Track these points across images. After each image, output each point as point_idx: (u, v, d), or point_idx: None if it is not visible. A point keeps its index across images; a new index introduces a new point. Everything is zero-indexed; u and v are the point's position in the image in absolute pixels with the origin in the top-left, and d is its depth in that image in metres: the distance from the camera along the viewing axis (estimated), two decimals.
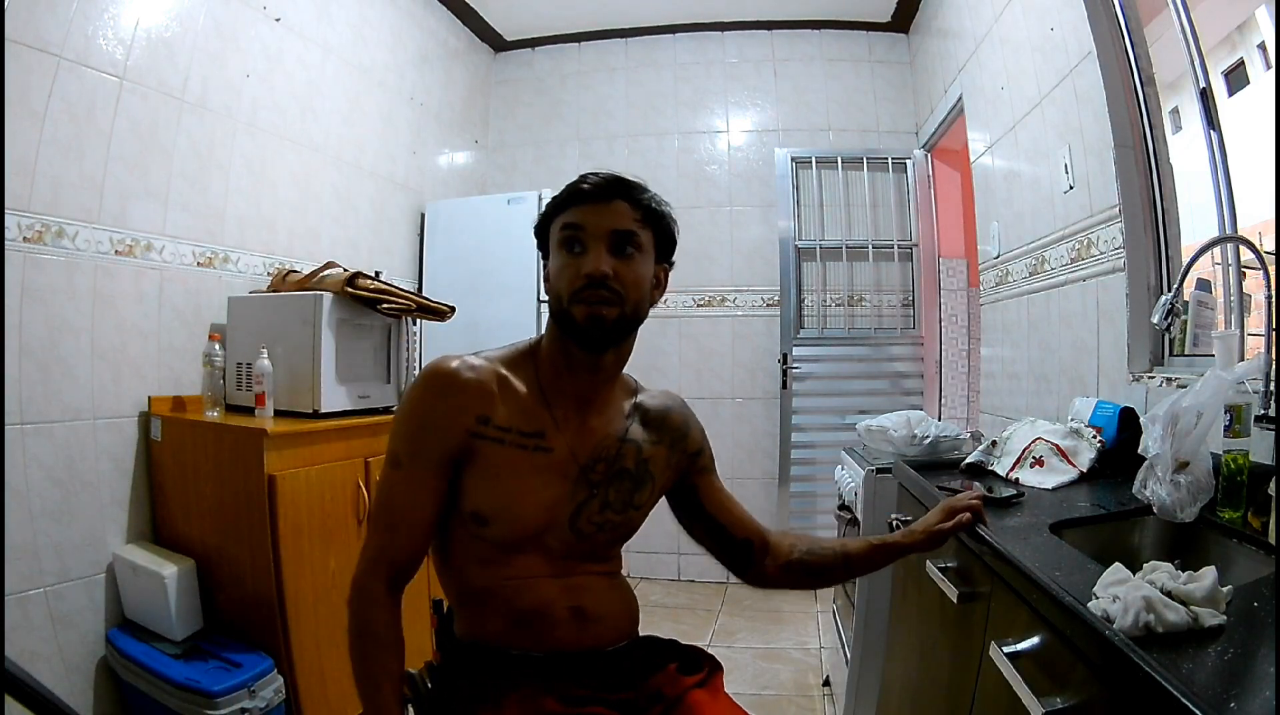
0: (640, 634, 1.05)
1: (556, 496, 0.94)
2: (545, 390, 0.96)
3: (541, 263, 1.01)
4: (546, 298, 0.99)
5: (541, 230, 0.99)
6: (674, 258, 1.02)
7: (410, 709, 0.94)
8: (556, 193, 0.97)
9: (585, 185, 0.94)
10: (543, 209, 0.99)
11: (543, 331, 1.00)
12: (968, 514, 1.04)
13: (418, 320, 2.37)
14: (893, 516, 1.52)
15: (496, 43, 3.74)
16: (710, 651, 1.06)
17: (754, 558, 1.07)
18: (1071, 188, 1.84)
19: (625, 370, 1.04)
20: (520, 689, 0.90)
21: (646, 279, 0.96)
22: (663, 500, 1.09)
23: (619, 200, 0.93)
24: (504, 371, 0.96)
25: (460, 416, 0.91)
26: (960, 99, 2.71)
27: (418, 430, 0.92)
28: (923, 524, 1.07)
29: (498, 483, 0.91)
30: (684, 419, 1.08)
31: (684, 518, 1.10)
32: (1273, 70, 1.46)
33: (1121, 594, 0.67)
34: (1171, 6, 1.51)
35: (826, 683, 2.34)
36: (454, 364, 0.93)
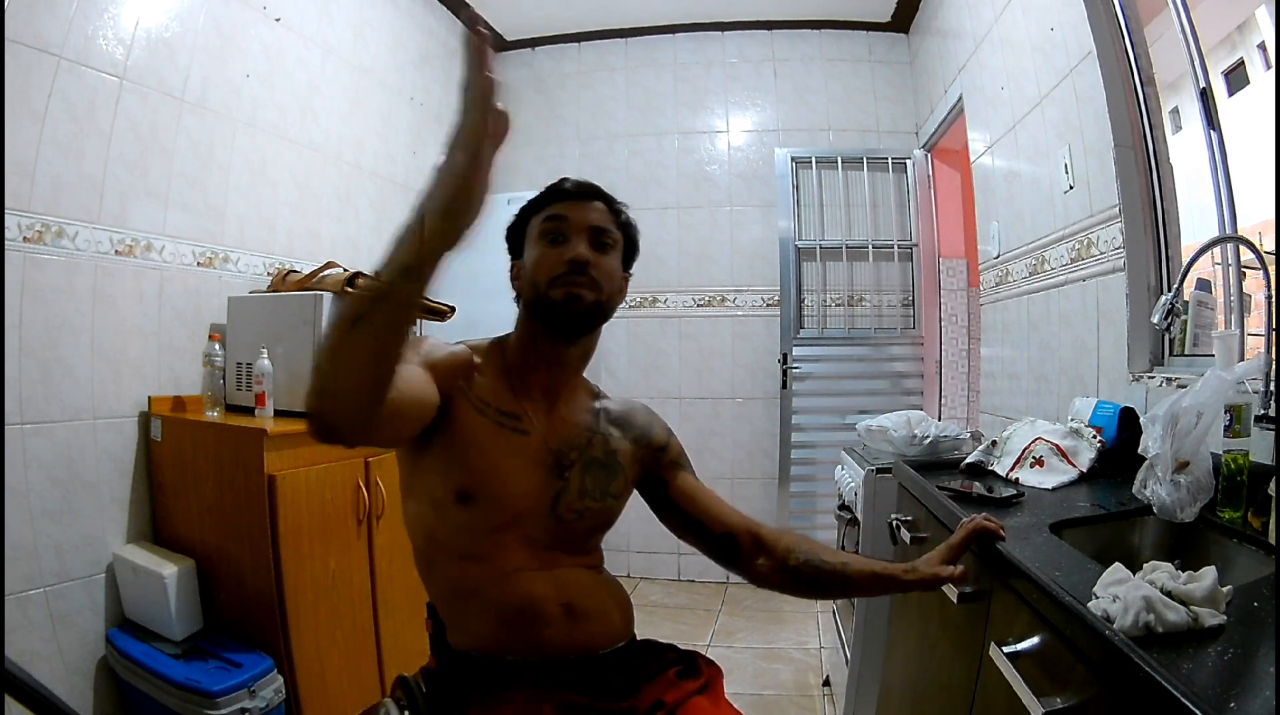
0: (638, 635, 1.04)
1: (536, 482, 0.95)
2: (513, 382, 0.99)
3: (511, 265, 1.04)
4: (517, 294, 1.02)
5: (517, 230, 1.02)
6: (632, 271, 1.07)
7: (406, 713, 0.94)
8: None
9: (567, 185, 1.00)
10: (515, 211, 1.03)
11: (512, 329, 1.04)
12: (961, 567, 0.99)
13: (418, 320, 2.38)
14: (893, 517, 1.52)
15: (496, 43, 3.74)
16: (710, 653, 1.06)
17: (741, 553, 1.05)
18: (1071, 188, 1.84)
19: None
20: (518, 694, 0.89)
21: (620, 274, 1.02)
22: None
23: (597, 201, 1.00)
24: (478, 358, 0.98)
25: (456, 364, 0.95)
26: (960, 99, 2.71)
27: (423, 345, 0.95)
28: (926, 563, 1.02)
29: (480, 456, 0.92)
30: (647, 417, 1.11)
31: (662, 514, 1.11)
32: (1273, 70, 1.46)
33: (1121, 594, 0.67)
34: (1171, 6, 1.51)
35: (826, 683, 2.34)
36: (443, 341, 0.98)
